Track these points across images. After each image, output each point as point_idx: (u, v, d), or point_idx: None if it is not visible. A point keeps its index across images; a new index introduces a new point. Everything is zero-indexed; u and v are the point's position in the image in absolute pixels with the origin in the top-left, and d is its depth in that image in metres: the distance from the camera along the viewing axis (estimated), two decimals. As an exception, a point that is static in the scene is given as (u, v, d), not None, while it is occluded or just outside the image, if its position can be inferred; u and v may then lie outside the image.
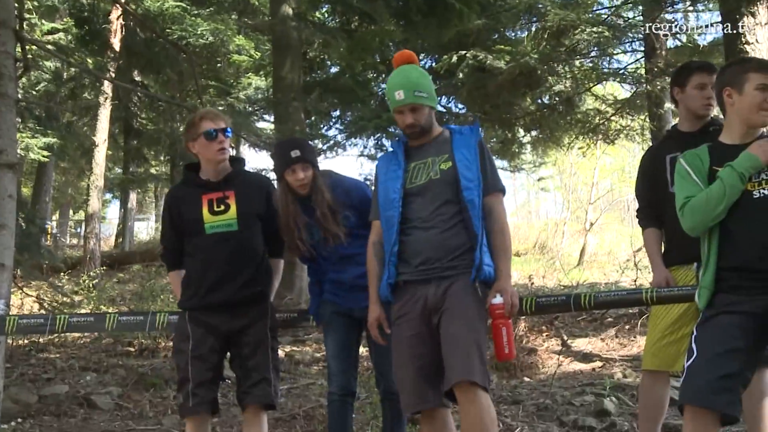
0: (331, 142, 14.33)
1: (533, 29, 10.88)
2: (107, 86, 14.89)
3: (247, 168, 3.87)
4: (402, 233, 3.09)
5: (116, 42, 13.61)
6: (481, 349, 2.88)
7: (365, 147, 14.75)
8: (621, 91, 14.42)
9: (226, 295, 3.38)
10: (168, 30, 12.21)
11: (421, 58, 13.31)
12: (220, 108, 14.82)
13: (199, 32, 12.56)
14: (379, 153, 14.30)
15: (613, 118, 11.98)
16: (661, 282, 3.57)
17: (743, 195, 2.78)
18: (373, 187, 3.38)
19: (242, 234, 3.45)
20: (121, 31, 13.72)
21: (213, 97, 15.22)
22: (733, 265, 2.78)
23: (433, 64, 11.69)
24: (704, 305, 2.83)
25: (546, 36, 9.98)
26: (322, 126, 14.32)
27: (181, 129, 18.36)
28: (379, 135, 13.42)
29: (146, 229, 30.94)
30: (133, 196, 22.55)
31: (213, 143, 3.46)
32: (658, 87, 10.03)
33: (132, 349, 7.79)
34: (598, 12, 11.01)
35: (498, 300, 2.96)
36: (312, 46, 12.76)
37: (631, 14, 11.07)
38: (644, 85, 10.69)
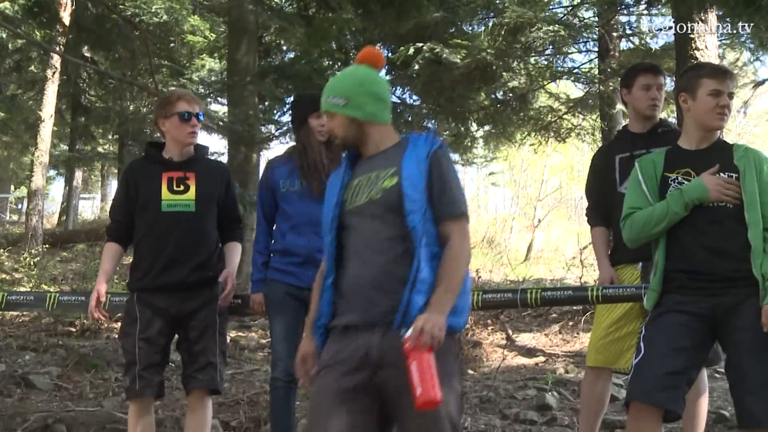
0: (285, 128, 14.23)
1: (490, 24, 10.94)
2: (56, 60, 14.51)
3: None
4: (339, 265, 2.55)
5: (66, 16, 13.27)
6: (454, 422, 2.35)
7: (319, 134, 14.66)
8: (574, 90, 14.60)
9: (179, 276, 3.36)
10: (121, 6, 11.97)
11: (377, 47, 13.30)
12: (172, 88, 14.60)
13: (153, 10, 12.35)
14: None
15: (565, 116, 12.13)
16: (606, 280, 3.63)
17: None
18: None
19: (198, 216, 3.44)
20: (72, 5, 13.39)
21: (165, 77, 14.96)
22: (681, 267, 2.84)
23: (390, 55, 11.67)
24: (651, 306, 2.89)
25: (503, 32, 10.04)
26: (275, 111, 14.21)
27: (131, 108, 18.05)
28: (333, 123, 13.37)
29: (91, 208, 30.32)
30: (78, 174, 21.99)
31: (185, 125, 3.45)
32: (611, 87, 10.19)
33: (73, 330, 7.64)
34: (554, 11, 11.12)
35: (408, 333, 2.25)
36: (268, 30, 12.64)
37: (587, 14, 11.22)
38: (597, 85, 10.85)
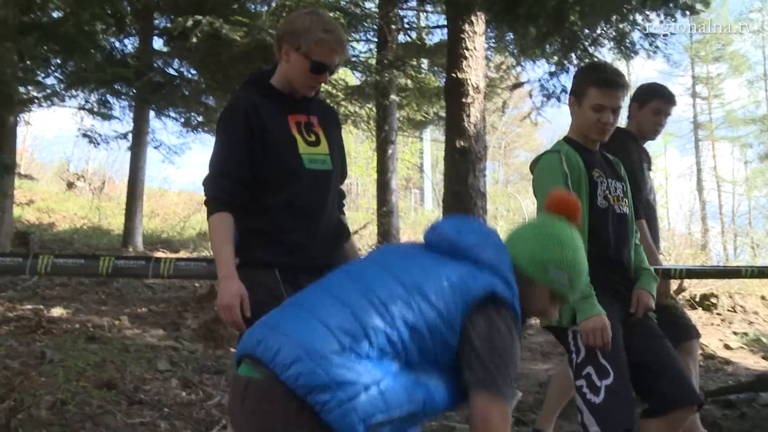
0: (48, 91, 13.23)
1: (273, 5, 10.84)
2: None
3: None
4: None
5: None
6: None
7: (87, 101, 13.77)
8: (353, 78, 14.87)
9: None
10: None
11: (155, 16, 12.72)
12: None
13: None
14: (102, 109, 13.45)
15: (342, 102, 12.33)
16: None
17: (609, 209, 2.90)
18: None
19: (336, 176, 2.64)
20: None
21: None
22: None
23: (168, 25, 11.23)
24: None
25: (284, 14, 9.99)
26: (38, 72, 13.16)
27: None
28: (103, 90, 12.66)
29: None
30: None
31: (313, 77, 2.58)
32: (387, 78, 10.48)
33: None
34: (337, -3, 11.23)
35: None
36: (31, -17, 11.68)
37: (369, 5, 11.44)
38: (374, 75, 11.12)
